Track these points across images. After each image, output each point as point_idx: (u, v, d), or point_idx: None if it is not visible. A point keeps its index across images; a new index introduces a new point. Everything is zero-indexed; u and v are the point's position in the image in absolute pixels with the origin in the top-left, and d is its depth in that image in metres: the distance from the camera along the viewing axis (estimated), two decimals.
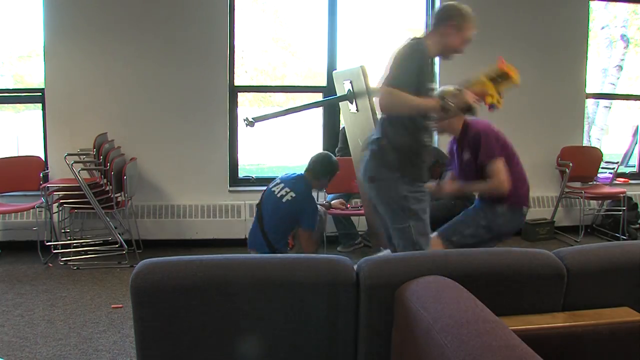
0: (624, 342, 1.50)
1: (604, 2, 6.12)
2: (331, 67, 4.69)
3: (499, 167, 2.57)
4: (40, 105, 4.45)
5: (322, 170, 3.43)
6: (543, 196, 5.07)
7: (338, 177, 4.27)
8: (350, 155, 3.83)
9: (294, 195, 3.26)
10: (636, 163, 5.71)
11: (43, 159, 4.38)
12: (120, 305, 3.18)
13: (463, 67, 4.80)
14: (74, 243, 4.12)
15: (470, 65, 4.79)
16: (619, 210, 4.75)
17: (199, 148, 4.53)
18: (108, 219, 4.01)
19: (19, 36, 5.08)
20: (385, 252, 2.55)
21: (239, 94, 4.72)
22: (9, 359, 2.50)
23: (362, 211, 3.85)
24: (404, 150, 2.37)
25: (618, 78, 7.42)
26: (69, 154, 3.86)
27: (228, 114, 4.57)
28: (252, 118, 2.91)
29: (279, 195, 3.29)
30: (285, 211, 3.27)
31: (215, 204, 4.56)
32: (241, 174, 4.81)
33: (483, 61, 4.84)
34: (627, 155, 6.35)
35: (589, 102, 6.63)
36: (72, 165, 3.78)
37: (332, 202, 3.97)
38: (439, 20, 2.43)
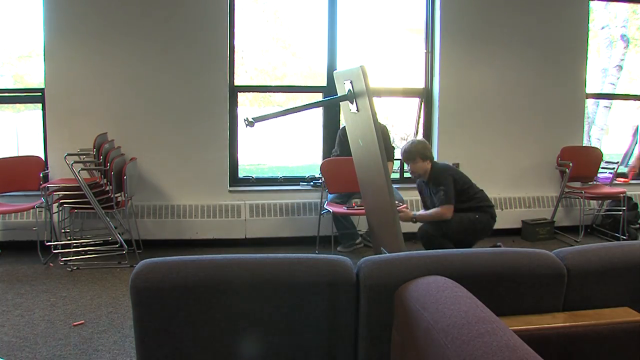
0: (624, 342, 1.50)
1: (604, 2, 6.12)
2: (331, 67, 4.69)
3: None
4: (40, 105, 4.45)
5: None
6: (543, 196, 5.07)
7: (338, 177, 4.29)
8: (349, 156, 3.83)
9: None
10: None
11: (43, 159, 4.38)
12: (82, 322, 2.95)
13: (464, 67, 4.84)
14: (74, 243, 4.12)
15: (471, 65, 4.84)
16: (619, 210, 4.74)
17: (199, 148, 4.53)
18: (108, 219, 4.01)
19: (19, 36, 5.07)
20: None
21: (239, 94, 4.72)
22: (9, 359, 2.50)
23: (362, 211, 3.85)
24: None
25: (618, 78, 7.41)
26: (69, 154, 3.86)
27: (228, 114, 4.57)
28: (252, 118, 2.89)
29: None
30: None
31: (215, 204, 4.56)
32: (241, 174, 4.81)
33: (483, 61, 4.89)
34: (627, 155, 6.33)
35: (589, 102, 6.63)
36: (72, 165, 3.78)
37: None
38: None
